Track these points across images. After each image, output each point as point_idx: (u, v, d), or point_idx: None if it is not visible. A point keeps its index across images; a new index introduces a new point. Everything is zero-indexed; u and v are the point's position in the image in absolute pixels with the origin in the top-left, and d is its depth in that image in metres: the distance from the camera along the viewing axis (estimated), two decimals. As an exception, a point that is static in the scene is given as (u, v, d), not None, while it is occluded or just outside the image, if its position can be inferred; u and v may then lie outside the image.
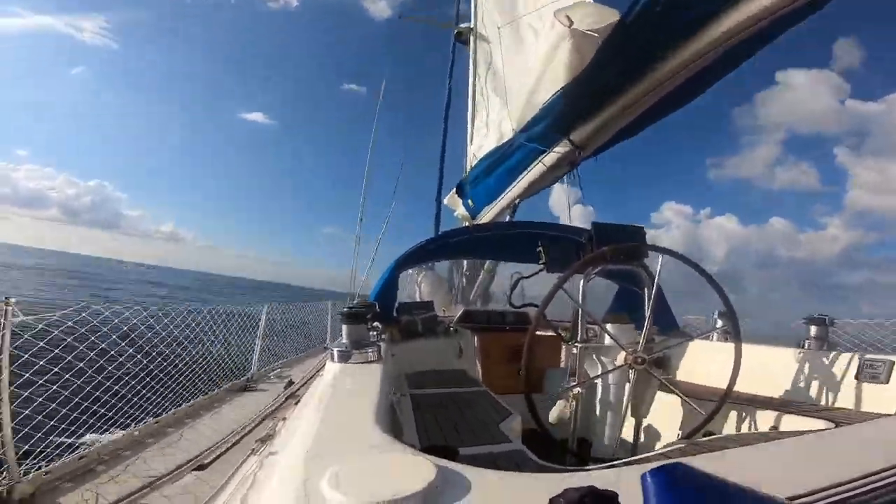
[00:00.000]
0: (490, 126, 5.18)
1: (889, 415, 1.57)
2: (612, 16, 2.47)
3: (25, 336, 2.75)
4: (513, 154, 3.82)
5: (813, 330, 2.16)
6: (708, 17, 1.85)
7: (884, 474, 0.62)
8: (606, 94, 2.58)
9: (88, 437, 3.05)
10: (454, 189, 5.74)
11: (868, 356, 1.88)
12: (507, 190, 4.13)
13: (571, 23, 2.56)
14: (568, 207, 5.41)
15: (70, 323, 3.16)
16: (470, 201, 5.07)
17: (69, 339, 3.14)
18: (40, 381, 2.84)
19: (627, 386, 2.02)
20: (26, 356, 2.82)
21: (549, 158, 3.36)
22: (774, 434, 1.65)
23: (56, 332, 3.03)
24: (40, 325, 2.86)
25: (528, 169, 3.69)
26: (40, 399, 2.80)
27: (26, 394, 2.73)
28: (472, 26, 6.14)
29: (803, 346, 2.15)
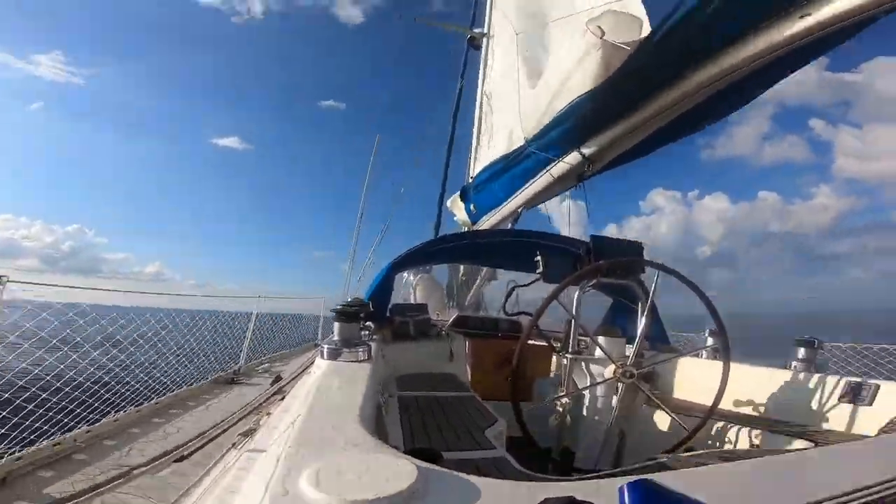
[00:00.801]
0: (498, 132, 5.19)
1: (869, 436, 1.58)
2: (643, 29, 2.47)
3: (14, 317, 2.72)
4: (521, 162, 3.81)
5: (801, 352, 2.18)
6: (738, 37, 1.85)
7: (859, 494, 0.62)
8: (626, 107, 2.59)
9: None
10: (458, 193, 5.74)
11: (853, 379, 1.90)
12: (511, 198, 4.12)
13: (603, 33, 2.58)
14: (566, 212, 5.45)
15: (59, 305, 3.13)
16: (472, 206, 5.07)
17: (56, 322, 3.10)
18: (24, 364, 2.79)
19: (615, 398, 2.02)
20: (12, 337, 2.78)
21: (558, 169, 3.36)
22: (755, 452, 1.66)
23: (44, 315, 2.99)
24: (29, 307, 2.82)
25: (535, 178, 3.68)
26: (21, 382, 2.76)
27: (8, 377, 2.69)
28: (485, 31, 6.18)
29: (791, 368, 2.16)
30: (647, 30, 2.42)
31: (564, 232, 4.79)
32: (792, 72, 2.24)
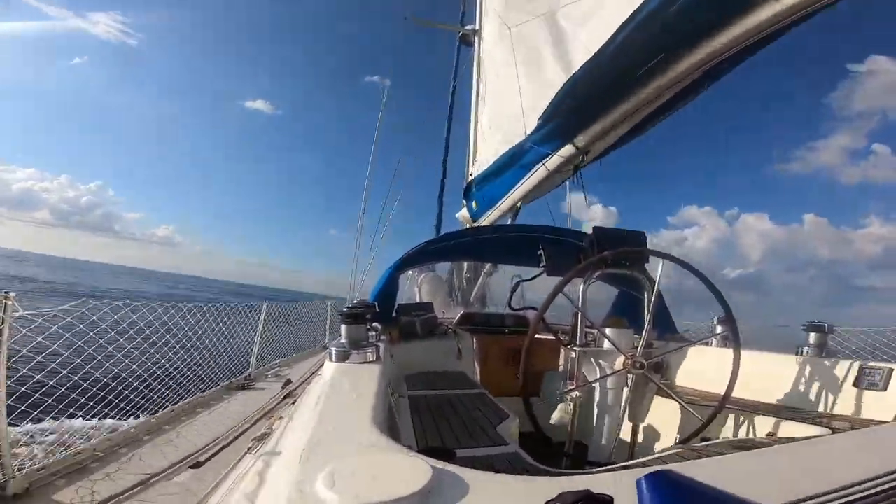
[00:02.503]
0: (494, 128, 5.20)
1: (886, 422, 1.57)
2: (625, 14, 2.46)
3: (24, 332, 2.75)
4: (520, 157, 3.85)
5: (812, 337, 2.16)
6: (721, 22, 1.88)
7: (878, 481, 0.62)
8: (614, 97, 2.59)
9: (76, 423, 3.06)
10: (463, 198, 5.75)
11: (866, 363, 1.87)
12: (510, 193, 4.14)
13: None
14: (571, 208, 5.49)
15: (69, 319, 3.16)
16: (474, 203, 5.10)
17: (67, 335, 3.14)
18: (37, 377, 2.83)
19: (625, 390, 2.02)
20: (24, 351, 2.82)
21: (553, 162, 3.38)
22: (771, 440, 1.65)
23: (54, 328, 3.03)
24: (39, 320, 2.85)
25: (532, 172, 3.71)
26: (37, 395, 2.80)
27: (23, 389, 2.73)
28: (476, 28, 6.15)
29: (802, 353, 2.15)
30: (628, 10, 2.39)
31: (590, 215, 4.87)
32: (767, 44, 2.27)
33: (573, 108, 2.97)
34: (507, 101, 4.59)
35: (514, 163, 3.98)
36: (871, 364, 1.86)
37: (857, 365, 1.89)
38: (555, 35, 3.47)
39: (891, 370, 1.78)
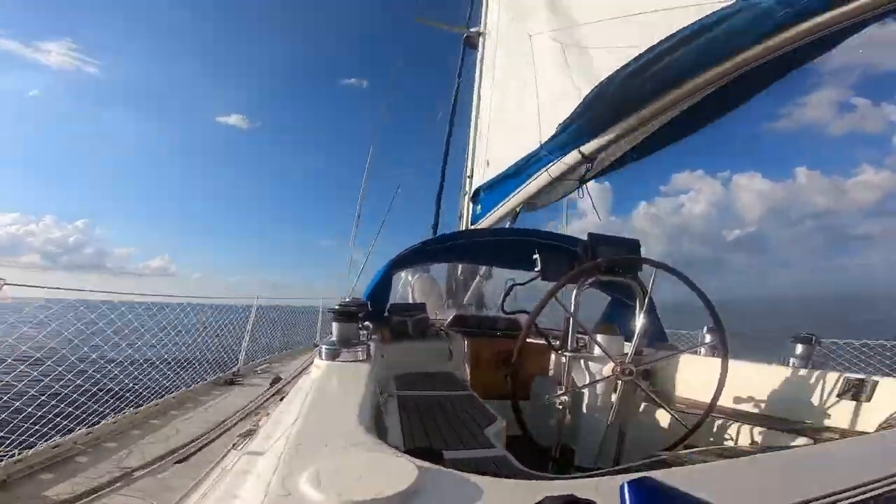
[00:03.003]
0: (508, 132, 5.18)
1: (868, 433, 1.59)
2: (650, 37, 2.50)
3: (10, 320, 2.71)
4: (532, 164, 3.86)
5: (798, 348, 2.19)
6: (743, 47, 1.95)
7: (859, 490, 0.63)
8: (625, 109, 2.63)
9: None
10: (471, 197, 5.73)
11: (851, 375, 1.90)
12: (510, 197, 4.14)
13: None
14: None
15: (55, 308, 3.12)
16: (479, 208, 5.10)
17: (54, 325, 3.09)
18: (21, 368, 2.79)
19: (614, 396, 2.03)
20: (10, 340, 2.77)
21: (556, 169, 3.39)
22: (755, 449, 1.67)
23: (42, 317, 2.99)
24: (26, 309, 2.81)
25: (534, 177, 3.71)
26: (19, 385, 2.75)
27: (7, 379, 2.68)
28: (481, 30, 6.13)
29: (788, 364, 2.18)
30: (656, 37, 2.42)
31: (592, 219, 4.86)
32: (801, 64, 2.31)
33: (591, 114, 2.99)
34: (523, 107, 4.56)
35: (524, 169, 3.99)
36: (857, 376, 1.89)
37: (842, 377, 1.92)
38: (576, 46, 3.46)
39: (875, 382, 1.81)
